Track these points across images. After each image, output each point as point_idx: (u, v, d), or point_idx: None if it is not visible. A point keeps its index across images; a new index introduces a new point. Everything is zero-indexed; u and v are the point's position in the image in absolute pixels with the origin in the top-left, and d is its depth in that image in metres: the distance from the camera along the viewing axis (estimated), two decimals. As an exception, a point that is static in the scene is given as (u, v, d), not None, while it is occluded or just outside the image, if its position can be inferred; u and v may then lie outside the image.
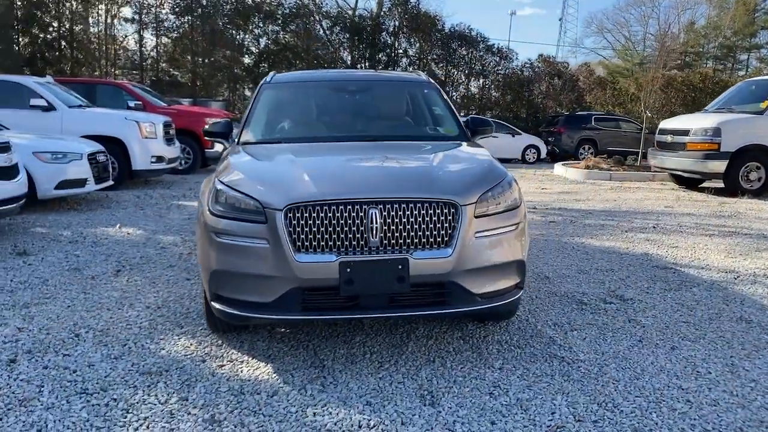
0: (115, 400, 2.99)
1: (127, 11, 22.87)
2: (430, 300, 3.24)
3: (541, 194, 11.24)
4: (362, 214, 3.09)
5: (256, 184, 3.29)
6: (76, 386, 3.12)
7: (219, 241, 3.24)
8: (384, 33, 26.05)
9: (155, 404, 2.95)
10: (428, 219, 3.14)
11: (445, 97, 4.80)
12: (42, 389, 3.08)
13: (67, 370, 3.31)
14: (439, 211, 3.16)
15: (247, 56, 23.93)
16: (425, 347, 3.61)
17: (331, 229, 3.08)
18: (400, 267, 3.08)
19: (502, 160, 20.18)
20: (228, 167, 3.63)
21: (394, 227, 3.11)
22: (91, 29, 22.64)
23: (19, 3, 20.37)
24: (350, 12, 26.55)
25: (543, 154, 22.90)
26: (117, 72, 22.58)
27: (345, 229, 3.08)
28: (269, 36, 24.12)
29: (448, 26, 27.18)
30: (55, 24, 21.29)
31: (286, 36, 24.52)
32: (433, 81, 5.05)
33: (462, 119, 4.79)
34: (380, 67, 26.01)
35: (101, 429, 2.73)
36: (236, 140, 4.36)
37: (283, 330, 3.89)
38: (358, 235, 3.09)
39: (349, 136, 4.34)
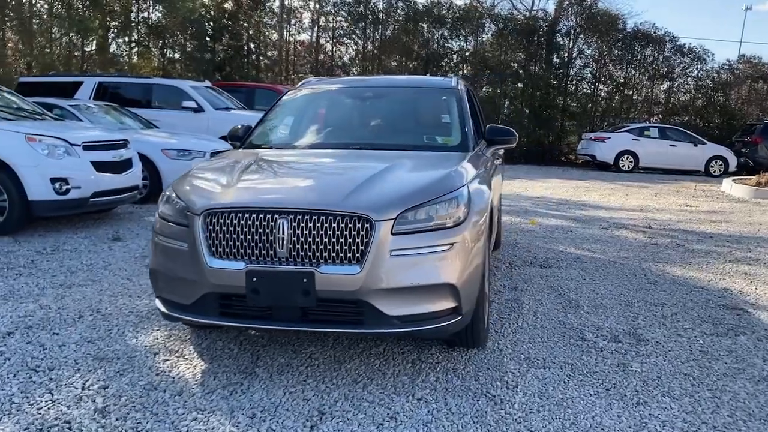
0: (51, 379, 3.27)
1: (306, 18, 24.47)
2: (343, 317, 3.11)
3: (678, 212, 10.06)
4: (272, 223, 3.05)
5: (192, 189, 3.39)
6: (32, 363, 3.46)
7: (156, 241, 3.41)
8: (558, 34, 24.94)
9: (76, 388, 3.17)
10: (338, 233, 3.01)
11: (464, 104, 4.52)
12: (6, 362, 3.46)
13: (41, 347, 3.68)
14: (351, 225, 3.01)
15: (414, 61, 24.34)
16: (366, 366, 3.45)
17: (242, 236, 3.09)
18: (305, 280, 3.00)
19: (681, 172, 18.37)
20: (188, 172, 3.78)
21: (303, 239, 3.03)
22: (275, 36, 24.57)
23: (213, 14, 22.74)
24: (526, 13, 25.83)
25: (732, 167, 20.41)
26: (293, 77, 24.26)
27: (255, 237, 3.07)
28: (437, 40, 24.34)
29: (630, 25, 25.31)
30: (244, 33, 23.42)
31: (455, 39, 24.55)
32: (459, 87, 4.77)
33: (488, 127, 4.52)
34: (554, 69, 24.97)
35: (15, 404, 3.00)
36: (238, 144, 4.52)
37: (253, 333, 3.95)
38: (268, 245, 3.06)
39: (338, 143, 4.30)
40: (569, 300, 4.77)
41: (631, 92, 26.40)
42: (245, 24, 23.59)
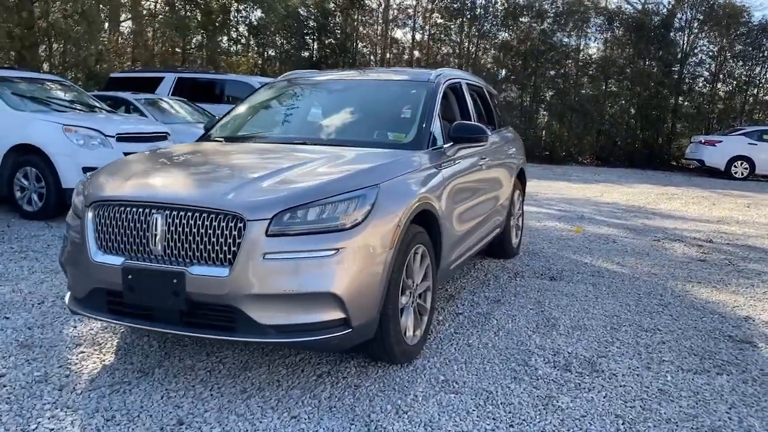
0: (-37, 363, 3.33)
1: (403, 15, 24.32)
2: (218, 323, 2.91)
3: (761, 226, 8.90)
4: (149, 218, 2.91)
5: (97, 181, 3.33)
6: (-41, 345, 3.55)
7: (65, 233, 3.38)
8: (671, 28, 23.11)
9: (-27, 374, 3.20)
10: (210, 231, 2.82)
11: (434, 99, 4.13)
12: (-64, 344, 3.57)
13: (-18, 331, 3.77)
14: (224, 224, 2.81)
15: (513, 58, 23.48)
16: (268, 375, 3.24)
17: (123, 230, 2.98)
18: (175, 281, 2.84)
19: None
20: (110, 163, 3.74)
21: (177, 237, 2.87)
22: (372, 34, 24.69)
23: (312, 13, 23.24)
24: (638, 6, 24.22)
25: None
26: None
27: (134, 232, 2.95)
28: (538, 36, 23.30)
29: (757, 17, 23.05)
30: (340, 31, 23.73)
31: (557, 35, 23.38)
32: (436, 81, 4.37)
33: (454, 125, 4.13)
34: (665, 66, 23.15)
35: None
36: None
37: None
38: (145, 241, 2.93)
39: (281, 138, 4.15)
40: (548, 319, 4.27)
41: (756, 91, 24.00)
42: (343, 22, 23.87)
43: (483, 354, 3.61)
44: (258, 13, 21.62)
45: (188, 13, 17.81)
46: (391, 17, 24.27)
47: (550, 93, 24.08)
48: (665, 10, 23.78)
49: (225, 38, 20.94)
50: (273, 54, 23.06)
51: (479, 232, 4.74)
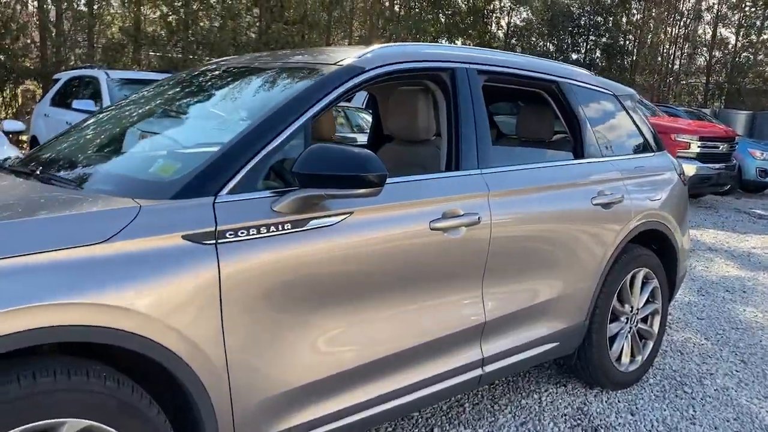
0: None
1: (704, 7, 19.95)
2: None
3: None
4: None
5: None
6: None
7: None
8: None
9: None
10: None
11: (319, 100, 2.10)
12: None
13: None
14: None
15: None
16: None
17: None
18: None
19: None
20: None
21: None
22: (657, 30, 20.90)
23: (586, 10, 20.54)
24: None
25: None
26: (684, 82, 20.19)
27: None
28: None
29: None
30: (618, 30, 20.55)
31: None
32: (352, 66, 2.26)
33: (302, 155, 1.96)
34: None
35: None
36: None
37: None
38: None
39: (49, 165, 2.39)
40: None
41: None
42: (623, 19, 20.62)
43: None
44: (522, 13, 19.74)
45: (429, 15, 16.74)
46: (687, 9, 20.13)
47: None
48: None
49: (477, 41, 19.39)
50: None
51: (453, 358, 2.45)
